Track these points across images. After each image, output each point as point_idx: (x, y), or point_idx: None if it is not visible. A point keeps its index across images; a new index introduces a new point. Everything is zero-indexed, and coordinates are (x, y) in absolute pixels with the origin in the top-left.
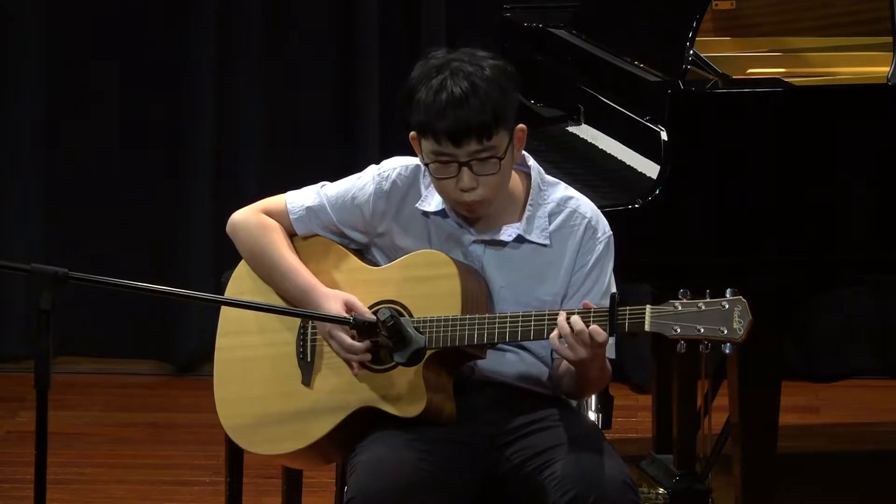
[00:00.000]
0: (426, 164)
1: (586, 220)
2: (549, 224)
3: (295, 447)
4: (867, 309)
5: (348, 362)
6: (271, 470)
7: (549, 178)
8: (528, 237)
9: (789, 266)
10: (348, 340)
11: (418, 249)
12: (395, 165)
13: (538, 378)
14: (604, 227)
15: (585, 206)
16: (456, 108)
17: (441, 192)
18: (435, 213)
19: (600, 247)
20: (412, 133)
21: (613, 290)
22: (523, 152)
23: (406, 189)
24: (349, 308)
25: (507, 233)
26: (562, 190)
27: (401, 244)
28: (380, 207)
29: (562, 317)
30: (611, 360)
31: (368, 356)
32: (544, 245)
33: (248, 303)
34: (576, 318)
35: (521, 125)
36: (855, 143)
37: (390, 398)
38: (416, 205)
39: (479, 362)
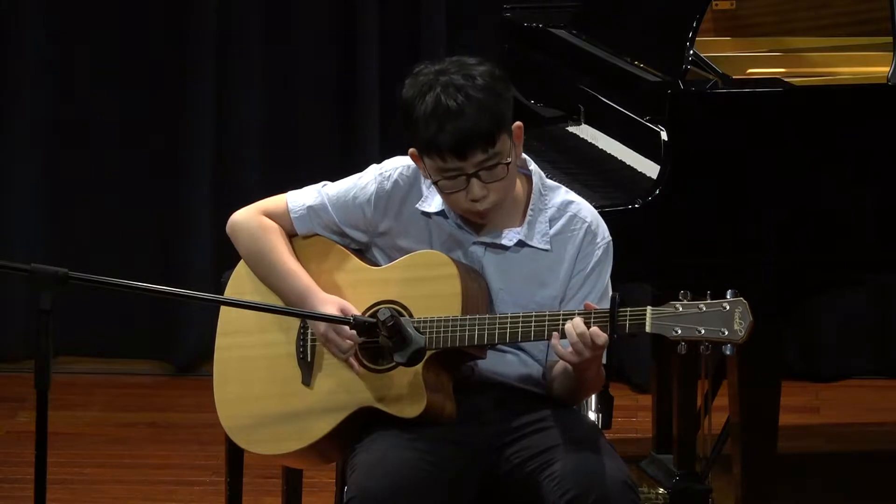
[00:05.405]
0: (434, 182)
1: (586, 225)
2: (550, 229)
3: (295, 447)
4: (867, 309)
5: (348, 361)
6: (271, 470)
7: (549, 182)
8: (529, 242)
9: (789, 266)
10: (345, 342)
11: (419, 249)
12: (397, 165)
13: (538, 379)
14: (603, 232)
15: (586, 210)
16: (454, 121)
17: (452, 205)
18: (436, 213)
19: (599, 252)
20: (412, 150)
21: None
22: (524, 156)
23: (407, 189)
24: (344, 314)
25: (509, 237)
26: (562, 194)
27: (401, 244)
28: (381, 206)
29: (567, 323)
30: (604, 365)
31: (360, 338)
32: (545, 250)
33: (248, 303)
34: (578, 321)
35: (517, 122)
36: (855, 143)
37: (390, 398)
38: (417, 205)
39: (480, 363)
